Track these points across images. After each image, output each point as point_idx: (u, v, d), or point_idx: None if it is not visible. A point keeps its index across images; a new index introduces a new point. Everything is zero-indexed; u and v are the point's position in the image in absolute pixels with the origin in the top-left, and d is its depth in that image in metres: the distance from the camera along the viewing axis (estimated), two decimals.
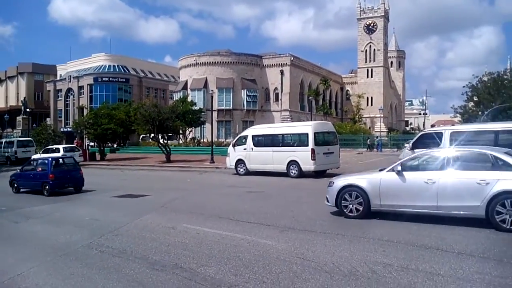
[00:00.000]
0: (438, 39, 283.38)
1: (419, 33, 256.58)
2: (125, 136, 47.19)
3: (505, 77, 53.25)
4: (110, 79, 77.47)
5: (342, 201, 10.06)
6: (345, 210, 10.03)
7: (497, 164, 8.54)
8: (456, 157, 9.06)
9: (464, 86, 55.92)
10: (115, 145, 52.25)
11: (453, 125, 18.44)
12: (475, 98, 53.79)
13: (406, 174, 9.32)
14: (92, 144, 50.77)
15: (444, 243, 7.47)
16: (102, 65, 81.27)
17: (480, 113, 50.07)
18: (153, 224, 10.09)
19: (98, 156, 41.54)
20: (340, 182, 10.33)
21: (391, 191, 9.49)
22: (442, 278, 5.70)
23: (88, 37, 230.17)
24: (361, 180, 10.04)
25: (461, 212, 8.61)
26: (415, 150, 15.07)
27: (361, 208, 9.80)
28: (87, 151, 42.39)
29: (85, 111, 60.63)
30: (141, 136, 57.48)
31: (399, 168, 9.43)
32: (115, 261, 7.17)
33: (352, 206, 9.93)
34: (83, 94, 77.88)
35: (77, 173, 17.93)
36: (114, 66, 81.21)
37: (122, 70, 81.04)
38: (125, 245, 8.17)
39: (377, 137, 54.70)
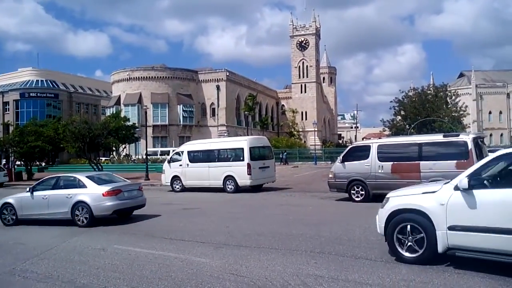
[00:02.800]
0: (365, 56, 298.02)
1: (347, 51, 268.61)
2: (54, 154, 45.06)
3: (429, 92, 56.71)
4: (38, 94, 73.97)
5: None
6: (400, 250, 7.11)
7: None
8: None
9: (391, 101, 58.91)
10: (43, 164, 49.70)
11: (380, 138, 19.32)
12: (402, 112, 56.73)
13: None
14: (18, 163, 47.96)
15: (373, 253, 7.73)
16: (29, 80, 77.48)
17: (407, 126, 52.86)
18: (82, 246, 9.64)
19: (25, 176, 39.31)
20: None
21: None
22: (370, 287, 5.89)
23: (13, 50, 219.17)
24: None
25: None
26: (345, 163, 15.66)
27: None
28: (13, 170, 39.99)
29: (11, 128, 57.26)
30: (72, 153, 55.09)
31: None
32: (39, 286, 6.77)
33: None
34: (8, 110, 73.77)
35: None
36: (42, 81, 77.68)
37: (51, 85, 77.63)
38: (52, 269, 7.73)
39: (284, 151, 53.23)
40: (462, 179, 6.42)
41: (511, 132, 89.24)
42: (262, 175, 21.31)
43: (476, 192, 6.31)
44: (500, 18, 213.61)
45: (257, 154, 21.51)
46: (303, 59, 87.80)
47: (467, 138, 13.59)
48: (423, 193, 7.11)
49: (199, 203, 17.52)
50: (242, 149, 20.97)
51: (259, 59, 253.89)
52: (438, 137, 14.71)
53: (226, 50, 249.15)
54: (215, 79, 67.53)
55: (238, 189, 20.69)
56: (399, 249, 7.05)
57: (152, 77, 63.73)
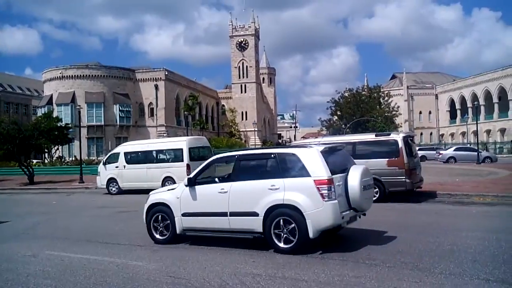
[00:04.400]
0: (302, 57, 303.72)
1: (285, 52, 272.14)
2: None
3: (363, 93, 58.97)
4: None
5: None
6: None
7: None
8: None
9: (328, 101, 60.82)
10: None
11: (316, 137, 19.79)
12: (339, 112, 58.60)
13: None
14: None
15: (309, 250, 7.92)
16: None
17: (343, 126, 54.72)
18: (10, 253, 9.12)
19: None
20: None
21: None
22: (306, 283, 6.04)
23: None
24: None
25: None
26: None
27: None
28: None
29: None
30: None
31: None
32: None
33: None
34: None
35: None
36: None
37: None
38: None
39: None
40: (186, 178, 8.97)
41: (439, 131, 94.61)
42: None
43: (197, 187, 8.74)
44: (426, 23, 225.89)
45: (196, 154, 21.39)
46: (243, 59, 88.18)
47: (397, 137, 14.28)
48: (168, 190, 9.61)
49: (137, 205, 16.99)
50: (181, 149, 20.77)
51: (197, 59, 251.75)
52: (371, 136, 15.35)
53: (163, 48, 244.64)
54: (153, 78, 66.17)
55: None
56: (154, 233, 9.24)
57: (86, 75, 61.38)
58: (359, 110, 54.50)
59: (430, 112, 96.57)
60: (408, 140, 14.75)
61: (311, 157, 7.87)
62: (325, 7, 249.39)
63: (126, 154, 22.42)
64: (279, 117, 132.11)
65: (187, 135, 40.09)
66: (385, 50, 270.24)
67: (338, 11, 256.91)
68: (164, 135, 60.78)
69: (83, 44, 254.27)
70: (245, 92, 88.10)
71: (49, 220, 14.27)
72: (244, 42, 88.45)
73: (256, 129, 78.83)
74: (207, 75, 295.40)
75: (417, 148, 15.61)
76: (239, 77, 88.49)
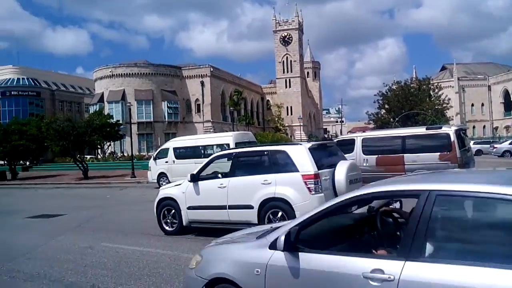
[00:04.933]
0: (347, 50, 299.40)
1: (329, 45, 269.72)
2: (39, 153, 44.49)
3: (412, 85, 57.29)
4: (20, 93, 72.67)
5: None
6: None
7: None
8: None
9: (375, 95, 59.46)
10: (27, 163, 49.05)
11: (364, 131, 19.43)
12: (386, 106, 57.23)
13: None
14: (1, 162, 47.23)
15: None
16: (10, 79, 76.10)
17: (391, 119, 53.43)
18: (69, 245, 9.60)
19: (9, 175, 38.78)
20: None
21: None
22: None
23: None
24: None
25: None
26: None
27: None
28: None
29: None
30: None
31: None
32: (26, 286, 6.74)
33: None
34: None
35: None
36: (23, 79, 76.32)
37: (33, 83, 76.37)
38: (39, 268, 7.69)
39: None
40: (189, 175, 9.51)
41: (493, 124, 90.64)
42: None
43: (200, 183, 9.39)
44: (478, 11, 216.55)
45: None
46: (287, 54, 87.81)
47: (449, 130, 13.80)
48: (175, 185, 10.21)
49: None
50: (228, 144, 20.98)
51: (241, 55, 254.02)
52: (421, 130, 14.91)
53: (207, 45, 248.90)
54: (199, 75, 67.18)
55: None
56: (164, 225, 9.98)
57: (135, 73, 63.18)
58: (408, 103, 52.98)
59: (482, 104, 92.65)
60: (461, 133, 14.23)
61: (299, 154, 8.43)
62: None
63: (175, 149, 22.93)
64: (324, 112, 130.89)
65: (233, 131, 40.45)
66: (434, 40, 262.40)
67: (383, 2, 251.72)
68: (211, 130, 61.59)
69: (131, 43, 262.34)
70: (290, 86, 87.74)
71: (103, 213, 14.86)
72: (288, 37, 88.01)
73: (301, 123, 78.42)
74: (251, 70, 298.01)
75: (471, 142, 14.98)
76: (284, 72, 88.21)
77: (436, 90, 58.70)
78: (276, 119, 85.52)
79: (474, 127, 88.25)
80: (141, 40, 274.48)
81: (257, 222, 8.26)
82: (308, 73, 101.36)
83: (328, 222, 3.85)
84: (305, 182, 8.13)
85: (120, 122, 45.28)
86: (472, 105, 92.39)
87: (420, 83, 58.07)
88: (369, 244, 3.73)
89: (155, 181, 23.24)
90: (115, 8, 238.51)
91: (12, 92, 72.27)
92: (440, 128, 14.54)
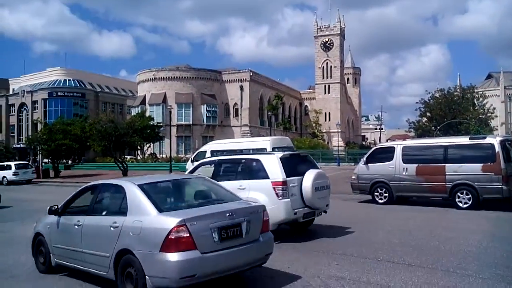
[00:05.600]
0: (388, 56, 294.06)
1: (370, 51, 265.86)
2: (81, 152, 45.98)
3: (455, 93, 55.63)
4: (66, 93, 75.52)
5: None
6: None
7: None
8: None
9: (417, 102, 58.00)
10: (69, 162, 50.78)
11: (404, 140, 19.00)
12: (428, 114, 55.76)
13: None
14: (46, 160, 49.13)
15: (395, 255, 7.69)
16: (57, 80, 79.25)
17: (433, 128, 52.00)
18: None
19: (52, 173, 40.22)
20: None
21: None
22: None
23: (41, 50, 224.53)
24: None
25: None
26: (369, 165, 15.51)
27: None
28: (40, 167, 40.98)
29: (39, 126, 58.68)
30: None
31: None
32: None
33: None
34: (37, 109, 75.45)
35: None
36: (69, 80, 79.36)
37: (78, 85, 79.25)
38: None
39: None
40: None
41: None
42: None
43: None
44: None
45: None
46: (327, 59, 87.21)
47: (494, 140, 13.34)
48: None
49: None
50: (265, 149, 20.98)
51: (281, 60, 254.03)
52: (465, 140, 14.48)
53: (247, 50, 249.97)
54: (238, 79, 67.79)
55: None
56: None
57: (176, 77, 64.42)
58: (451, 112, 51.40)
59: None
60: (506, 144, 13.71)
61: (271, 163, 9.12)
62: (412, 4, 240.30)
63: (212, 152, 23.11)
64: (363, 118, 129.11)
65: (270, 135, 40.48)
66: (480, 47, 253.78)
67: (427, 8, 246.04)
68: (248, 134, 61.93)
69: (173, 47, 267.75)
70: (329, 92, 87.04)
71: None
72: (329, 42, 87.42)
73: (339, 130, 77.59)
74: (290, 76, 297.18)
75: None
76: (323, 78, 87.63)
77: (481, 99, 56.75)
78: (314, 125, 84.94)
79: None
80: (182, 45, 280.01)
81: None
82: (348, 79, 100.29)
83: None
84: (274, 188, 8.83)
85: (161, 124, 46.25)
86: None
87: (464, 91, 56.31)
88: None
89: None
90: (158, 13, 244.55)
91: (59, 93, 75.09)
92: (485, 138, 14.06)
